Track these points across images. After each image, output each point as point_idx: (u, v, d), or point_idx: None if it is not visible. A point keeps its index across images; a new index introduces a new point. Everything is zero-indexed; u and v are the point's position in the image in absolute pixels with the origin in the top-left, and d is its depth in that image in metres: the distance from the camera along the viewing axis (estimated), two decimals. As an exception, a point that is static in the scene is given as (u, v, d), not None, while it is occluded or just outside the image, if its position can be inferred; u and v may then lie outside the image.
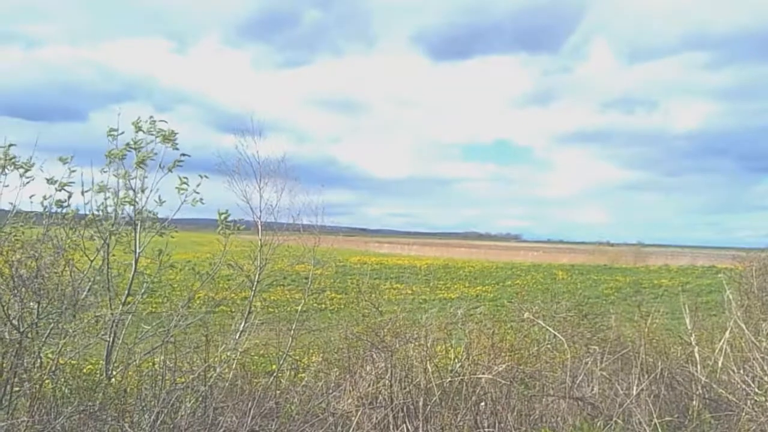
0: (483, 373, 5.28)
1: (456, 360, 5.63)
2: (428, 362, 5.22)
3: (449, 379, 5.30)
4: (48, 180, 5.43)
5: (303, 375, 6.30)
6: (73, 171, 5.48)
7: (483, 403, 5.23)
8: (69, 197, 5.47)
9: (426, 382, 5.17)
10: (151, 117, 5.56)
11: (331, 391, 5.49)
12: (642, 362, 5.54)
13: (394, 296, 24.14)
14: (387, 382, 5.19)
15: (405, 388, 5.17)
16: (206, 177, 5.75)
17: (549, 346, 5.94)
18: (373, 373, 5.36)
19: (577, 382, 5.59)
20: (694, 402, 5.56)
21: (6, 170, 5.30)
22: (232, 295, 6.85)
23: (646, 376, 5.44)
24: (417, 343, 5.48)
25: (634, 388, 5.29)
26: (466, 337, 5.80)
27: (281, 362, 6.28)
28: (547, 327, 5.88)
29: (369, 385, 5.24)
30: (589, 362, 5.71)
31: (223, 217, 6.03)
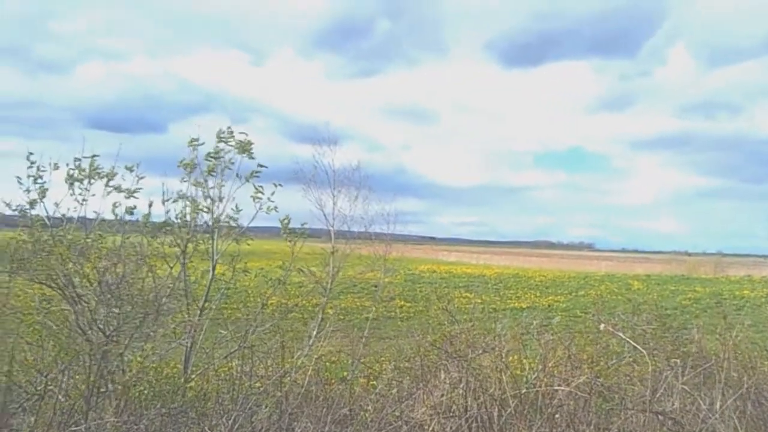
0: (559, 385, 5.16)
1: (531, 371, 5.53)
2: (503, 372, 5.14)
3: (524, 390, 5.21)
4: (116, 188, 5.63)
5: (374, 382, 6.31)
6: (142, 178, 5.67)
7: (558, 415, 5.11)
8: (150, 205, 5.66)
9: (501, 393, 5.09)
10: (228, 127, 5.72)
11: (404, 399, 5.47)
12: (726, 377, 5.31)
13: (464, 305, 23.92)
14: (461, 391, 5.13)
15: (479, 399, 5.10)
16: (280, 185, 5.86)
17: (630, 358, 5.75)
18: (448, 382, 5.32)
19: (657, 395, 5.39)
20: (784, 420, 5.28)
21: (91, 180, 5.53)
22: (303, 301, 6.93)
23: (730, 392, 5.20)
24: (492, 353, 5.41)
25: (718, 403, 5.06)
26: (541, 347, 5.68)
27: (354, 369, 6.32)
28: (627, 339, 5.70)
29: (443, 395, 5.19)
30: (670, 375, 5.50)
31: (285, 223, 6.10)
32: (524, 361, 5.74)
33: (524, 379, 5.46)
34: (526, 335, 6.26)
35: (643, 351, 5.50)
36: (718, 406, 5.04)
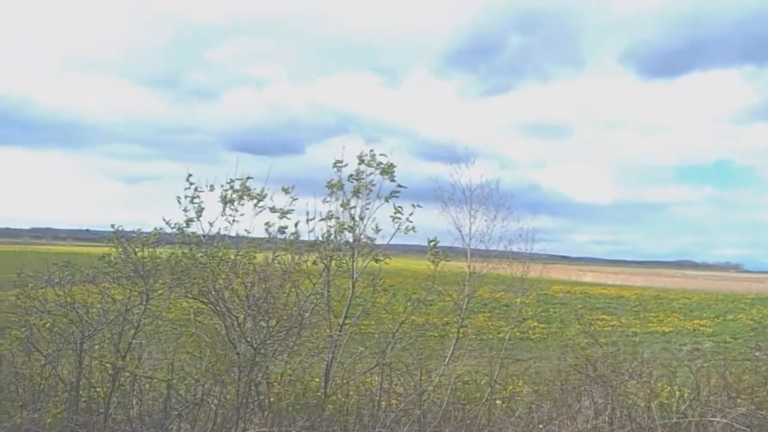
0: (714, 416, 4.83)
1: (682, 399, 5.21)
2: (651, 400, 4.89)
3: (675, 419, 4.92)
4: (271, 209, 5.91)
5: (510, 404, 6.19)
6: (295, 200, 5.93)
7: (713, 449, 4.78)
8: (297, 224, 5.90)
9: (649, 422, 4.84)
10: (371, 150, 5.88)
11: (544, 424, 5.32)
12: None
13: (602, 328, 22.94)
14: (606, 419, 4.93)
15: (626, 427, 4.88)
16: (419, 206, 5.94)
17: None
18: (592, 408, 5.12)
19: (829, 432, 4.92)
20: None
21: (243, 200, 5.85)
22: (434, 319, 6.93)
23: None
24: (639, 379, 5.15)
25: None
26: (692, 375, 5.35)
27: (490, 390, 6.22)
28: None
29: (587, 421, 5.01)
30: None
31: (432, 244, 6.15)
32: (675, 389, 5.42)
33: (674, 407, 5.17)
34: (674, 361, 5.92)
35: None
36: None
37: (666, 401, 5.19)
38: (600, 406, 5.10)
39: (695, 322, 28.64)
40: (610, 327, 24.07)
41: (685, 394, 5.26)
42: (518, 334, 21.04)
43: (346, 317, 5.98)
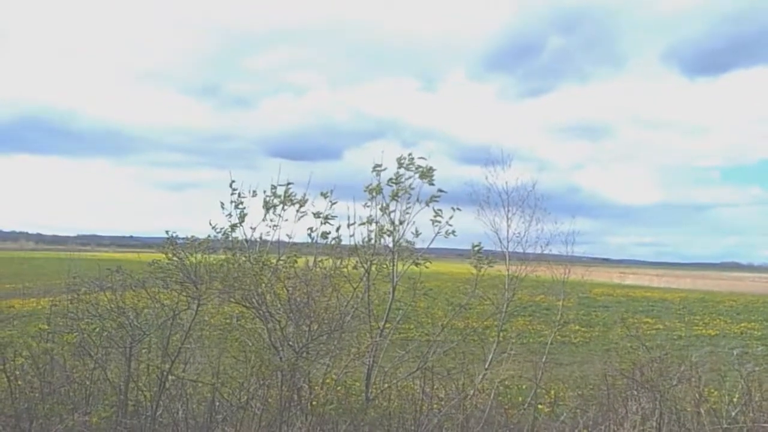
0: (767, 422, 4.71)
1: (732, 405, 5.09)
2: (701, 405, 4.78)
3: (725, 425, 4.81)
4: (315, 214, 5.96)
5: (554, 409, 6.12)
6: (334, 204, 5.96)
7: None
8: (338, 229, 5.92)
9: (698, 427, 4.73)
10: (409, 154, 5.86)
11: (590, 429, 5.24)
12: None
13: (646, 331, 22.48)
14: (654, 424, 4.83)
15: (674, 432, 4.78)
16: (458, 209, 5.91)
17: None
18: (639, 413, 5.02)
19: None
20: None
21: (285, 206, 5.91)
22: (474, 323, 6.89)
23: None
24: (688, 384, 5.05)
25: None
26: (743, 379, 5.22)
27: (533, 395, 6.16)
28: None
29: (633, 427, 4.92)
30: None
31: (476, 249, 6.12)
32: (722, 393, 5.29)
33: (724, 413, 5.05)
34: (724, 366, 5.79)
35: None
36: None
37: (715, 406, 5.07)
38: (647, 411, 5.00)
39: (743, 325, 27.89)
40: (654, 330, 23.57)
41: (735, 399, 5.13)
42: (560, 338, 20.73)
43: (386, 321, 5.98)
